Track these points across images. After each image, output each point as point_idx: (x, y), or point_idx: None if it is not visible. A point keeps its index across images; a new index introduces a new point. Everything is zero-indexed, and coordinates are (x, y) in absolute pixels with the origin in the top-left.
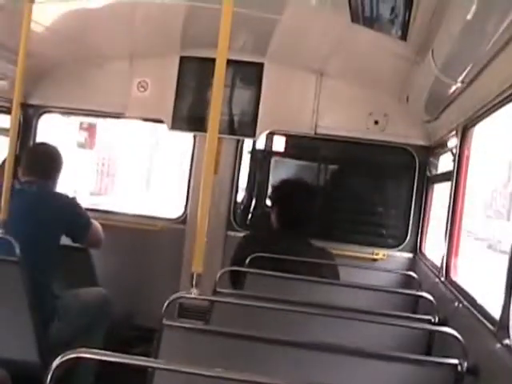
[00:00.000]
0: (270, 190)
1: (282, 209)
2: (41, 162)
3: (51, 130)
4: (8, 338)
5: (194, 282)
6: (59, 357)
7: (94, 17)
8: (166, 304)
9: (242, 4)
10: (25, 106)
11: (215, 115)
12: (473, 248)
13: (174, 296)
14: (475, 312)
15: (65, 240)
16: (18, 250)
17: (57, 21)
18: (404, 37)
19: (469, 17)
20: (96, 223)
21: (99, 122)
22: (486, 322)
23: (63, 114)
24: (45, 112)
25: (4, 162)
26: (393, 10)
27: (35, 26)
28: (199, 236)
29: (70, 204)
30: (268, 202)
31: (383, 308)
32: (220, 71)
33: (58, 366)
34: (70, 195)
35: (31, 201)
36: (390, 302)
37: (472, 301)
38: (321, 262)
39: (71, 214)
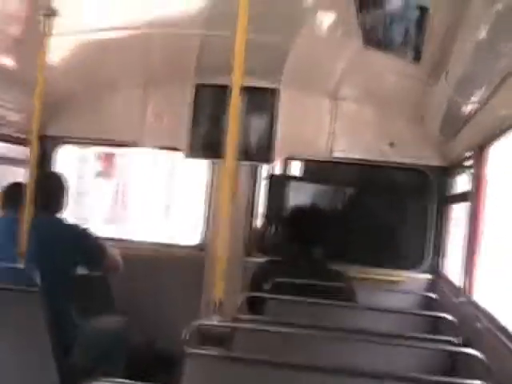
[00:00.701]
0: (286, 216)
1: (300, 234)
2: (51, 194)
3: (70, 160)
4: (29, 366)
5: (215, 309)
6: None
7: (108, 47)
8: (188, 332)
9: (255, 30)
10: (42, 138)
11: (232, 142)
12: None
13: (196, 323)
14: (498, 333)
15: (81, 269)
16: (38, 280)
17: (73, 52)
18: (417, 58)
19: (481, 37)
20: (113, 250)
21: (117, 151)
22: (509, 343)
23: (80, 144)
24: (62, 143)
25: (11, 189)
26: (406, 32)
27: (51, 58)
28: (220, 262)
29: (83, 235)
30: (285, 228)
31: (404, 330)
32: (235, 97)
33: None
34: (83, 225)
35: (45, 232)
36: (410, 325)
37: (494, 321)
38: (339, 287)
39: (84, 245)
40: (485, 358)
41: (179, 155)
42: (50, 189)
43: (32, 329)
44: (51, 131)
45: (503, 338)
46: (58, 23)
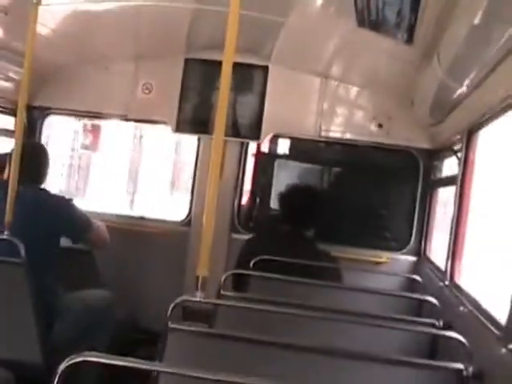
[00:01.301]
0: (276, 194)
1: (287, 211)
2: (35, 165)
3: (57, 131)
4: (12, 338)
5: (199, 285)
6: (65, 360)
7: (99, 19)
8: (171, 307)
9: (248, 6)
10: (30, 108)
11: (221, 118)
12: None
13: (179, 299)
14: (480, 316)
15: (66, 241)
16: (22, 252)
17: (62, 23)
18: (410, 40)
19: (476, 21)
20: (100, 223)
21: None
22: (491, 326)
23: (68, 115)
24: (50, 114)
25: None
26: (399, 13)
27: (41, 28)
28: (205, 239)
29: (66, 206)
30: (273, 205)
31: (387, 312)
32: (226, 73)
33: (63, 370)
34: (67, 197)
35: (29, 203)
36: (394, 306)
37: (477, 305)
38: (324, 266)
39: (68, 216)
40: (466, 341)
41: (168, 130)
42: (35, 159)
43: (16, 301)
44: (39, 101)
45: (485, 322)
46: None
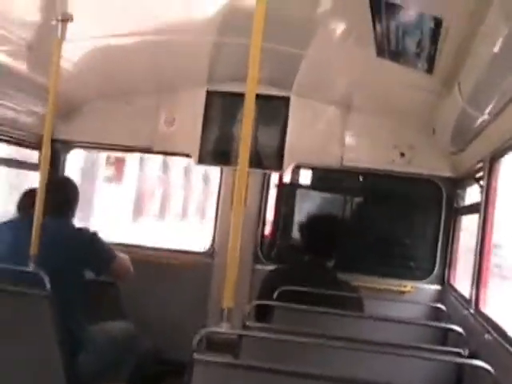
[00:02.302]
0: (298, 224)
1: (308, 241)
2: (61, 198)
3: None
4: (37, 372)
5: (224, 317)
6: None
7: (121, 53)
8: (197, 338)
9: (269, 39)
10: (54, 142)
11: (245, 149)
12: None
13: (205, 330)
14: (506, 344)
15: (90, 273)
16: (47, 284)
17: (85, 58)
18: (430, 70)
19: (496, 50)
20: (123, 255)
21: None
22: None
23: (91, 148)
24: (73, 147)
25: (27, 194)
26: (419, 43)
27: (64, 63)
28: (230, 270)
29: (90, 238)
30: (295, 235)
31: (412, 341)
32: (249, 105)
33: None
34: (92, 230)
35: (54, 236)
36: (419, 336)
37: (502, 333)
38: (346, 296)
39: (92, 248)
40: (492, 370)
41: (191, 162)
42: (61, 193)
43: (41, 333)
44: (62, 135)
45: (511, 350)
46: (72, 28)
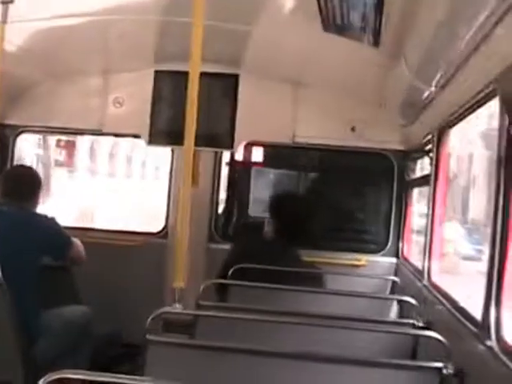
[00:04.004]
0: (254, 202)
1: (276, 219)
2: (18, 185)
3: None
4: None
5: (176, 297)
6: (43, 378)
7: (66, 34)
8: (149, 320)
9: (213, 17)
10: (1, 127)
11: (190, 128)
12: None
13: (158, 312)
14: (458, 314)
15: (46, 259)
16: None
17: (30, 40)
18: (376, 43)
19: (439, 19)
20: (77, 241)
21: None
22: (468, 323)
23: (40, 133)
24: (22, 132)
25: None
26: (363, 17)
27: (8, 46)
28: (179, 250)
29: (48, 224)
30: (252, 213)
31: (368, 314)
32: (194, 84)
33: None
34: (49, 215)
35: (10, 222)
36: (374, 308)
37: (454, 303)
38: (306, 273)
39: (50, 234)
40: (445, 339)
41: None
42: (18, 180)
43: None
44: (10, 120)
45: (463, 319)
46: (14, 11)
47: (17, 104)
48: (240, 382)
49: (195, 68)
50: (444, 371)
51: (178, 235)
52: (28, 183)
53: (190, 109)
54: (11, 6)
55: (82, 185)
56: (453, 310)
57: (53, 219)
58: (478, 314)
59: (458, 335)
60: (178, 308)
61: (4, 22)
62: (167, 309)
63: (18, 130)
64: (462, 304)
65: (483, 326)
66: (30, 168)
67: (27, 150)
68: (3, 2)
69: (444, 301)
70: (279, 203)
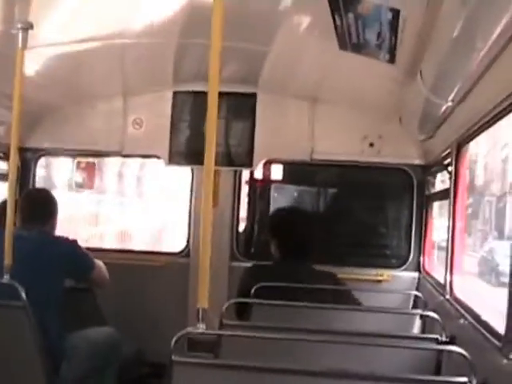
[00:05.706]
0: (270, 219)
1: (282, 238)
2: (36, 209)
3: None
4: (19, 382)
5: (200, 317)
6: None
7: (85, 59)
8: (174, 340)
9: (231, 38)
10: (22, 150)
11: (210, 147)
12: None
13: (182, 332)
14: (480, 328)
15: (69, 282)
16: (23, 295)
17: (49, 65)
18: (392, 60)
19: (455, 35)
20: (100, 263)
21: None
22: (491, 337)
23: (60, 155)
24: (42, 155)
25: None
26: (379, 34)
27: (28, 71)
28: (202, 270)
29: (70, 247)
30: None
31: (391, 330)
32: (213, 104)
33: None
34: (70, 238)
35: (32, 246)
36: (397, 323)
37: (477, 317)
38: (326, 288)
39: (72, 257)
40: (469, 353)
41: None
42: (36, 203)
43: (20, 345)
44: (31, 143)
45: (486, 333)
46: (33, 36)
47: (37, 127)
48: None
49: (214, 88)
50: None
51: (201, 255)
52: (45, 206)
53: (209, 128)
54: (31, 32)
55: (108, 207)
56: (476, 324)
57: (75, 241)
58: (501, 328)
59: (482, 349)
60: (201, 328)
61: (24, 47)
62: (191, 329)
63: (39, 153)
64: (485, 318)
65: (506, 339)
66: (46, 191)
67: (49, 173)
68: (23, 28)
69: (466, 315)
70: (281, 222)
